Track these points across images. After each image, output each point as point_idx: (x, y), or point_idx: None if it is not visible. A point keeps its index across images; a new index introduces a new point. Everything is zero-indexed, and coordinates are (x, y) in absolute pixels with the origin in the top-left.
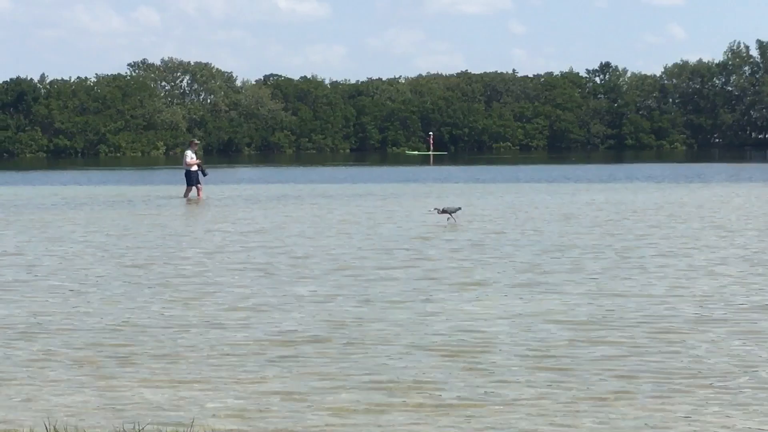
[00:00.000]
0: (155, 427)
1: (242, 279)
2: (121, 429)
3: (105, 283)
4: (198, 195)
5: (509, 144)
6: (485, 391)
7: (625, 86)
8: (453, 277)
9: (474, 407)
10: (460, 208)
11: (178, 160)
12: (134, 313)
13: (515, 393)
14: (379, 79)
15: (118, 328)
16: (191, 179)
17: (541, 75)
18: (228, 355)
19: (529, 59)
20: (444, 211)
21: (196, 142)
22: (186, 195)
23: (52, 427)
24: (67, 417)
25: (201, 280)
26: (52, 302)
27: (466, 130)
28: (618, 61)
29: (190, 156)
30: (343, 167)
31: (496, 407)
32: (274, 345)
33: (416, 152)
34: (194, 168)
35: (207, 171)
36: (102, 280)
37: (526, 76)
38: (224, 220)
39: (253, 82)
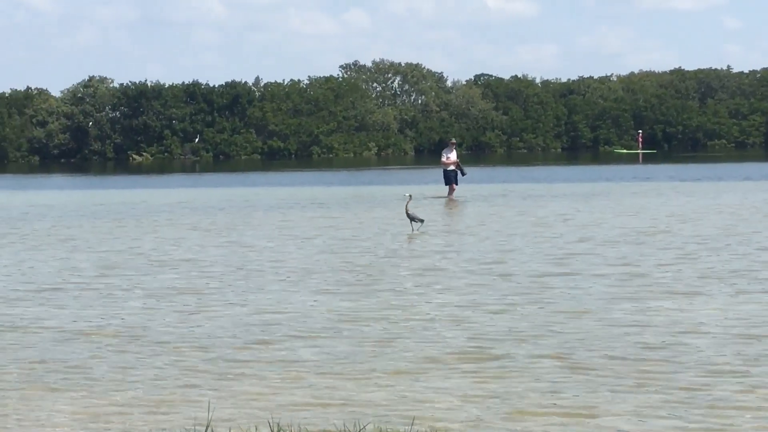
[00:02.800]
0: (376, 426)
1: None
2: (343, 428)
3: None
4: (450, 194)
5: (724, 141)
6: None
7: None
8: None
9: None
10: (422, 221)
11: (389, 161)
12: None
13: None
14: (591, 78)
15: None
16: (449, 178)
17: (757, 71)
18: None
19: (744, 54)
20: (408, 214)
21: (454, 141)
22: (449, 194)
23: (276, 425)
24: (291, 413)
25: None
26: (288, 300)
27: (680, 127)
28: None
29: (446, 155)
30: (556, 167)
31: None
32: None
33: (624, 151)
34: (451, 167)
35: (465, 170)
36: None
37: (742, 72)
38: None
39: (464, 82)
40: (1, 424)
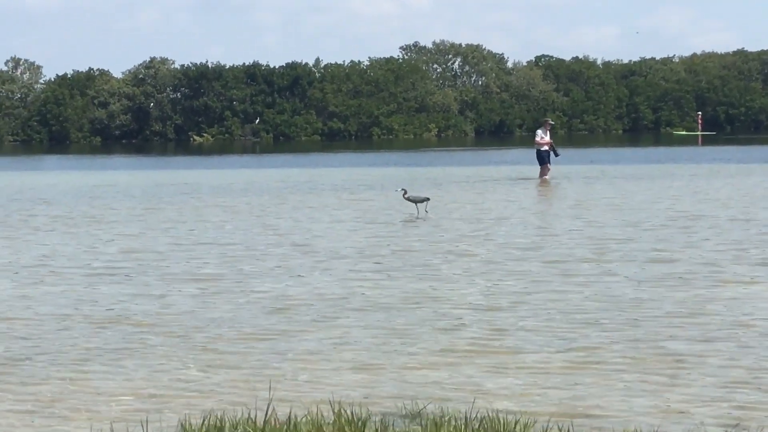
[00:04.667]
0: (436, 406)
1: None
2: (403, 408)
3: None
4: (543, 175)
5: None
6: None
7: None
8: None
9: None
10: (428, 199)
11: (449, 142)
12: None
13: None
14: (653, 59)
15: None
16: (542, 159)
17: None
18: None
19: None
20: (408, 199)
21: (551, 122)
22: (542, 176)
23: (336, 404)
24: (349, 393)
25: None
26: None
27: (743, 109)
28: None
29: (540, 135)
30: (619, 148)
31: None
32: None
33: (684, 132)
34: (545, 148)
35: (559, 151)
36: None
37: None
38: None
39: (524, 64)
40: (61, 405)
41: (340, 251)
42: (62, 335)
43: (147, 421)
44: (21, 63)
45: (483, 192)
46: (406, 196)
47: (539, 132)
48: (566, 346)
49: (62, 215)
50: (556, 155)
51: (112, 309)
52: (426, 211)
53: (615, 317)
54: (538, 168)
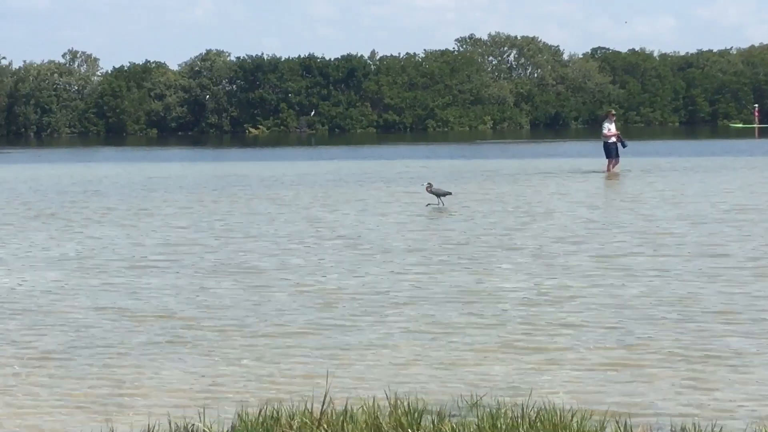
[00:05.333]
0: (492, 398)
1: None
2: (460, 400)
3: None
4: (610, 168)
5: None
6: None
7: None
8: None
9: None
10: (450, 193)
11: (505, 135)
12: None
13: None
14: (710, 51)
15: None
16: (610, 151)
17: None
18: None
19: None
20: (433, 192)
21: (614, 113)
22: (609, 168)
23: (393, 395)
24: (406, 384)
25: None
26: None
27: None
28: None
29: (607, 127)
30: (675, 141)
31: None
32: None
33: (741, 125)
34: (612, 140)
35: (626, 142)
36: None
37: None
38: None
39: (580, 56)
40: (119, 396)
41: (388, 244)
42: (116, 326)
43: (204, 410)
44: (78, 55)
45: (534, 185)
46: (429, 189)
47: (605, 125)
48: (620, 341)
49: (113, 207)
50: (624, 146)
51: (164, 301)
52: (443, 204)
53: (668, 312)
54: (600, 160)
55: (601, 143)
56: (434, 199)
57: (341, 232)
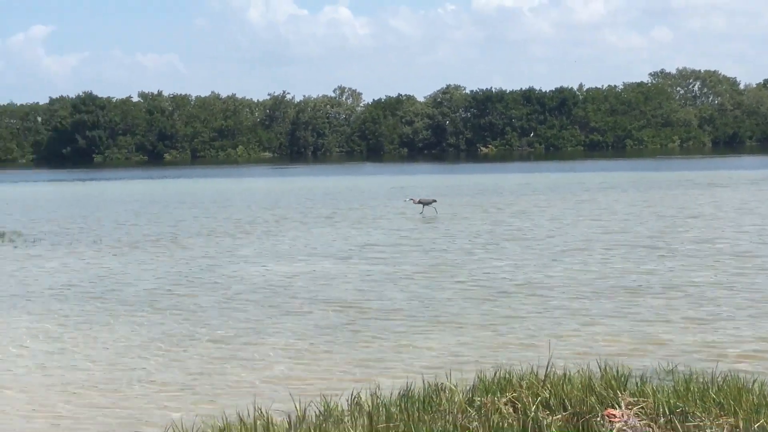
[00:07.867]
0: (686, 366)
1: None
2: (658, 366)
3: None
4: None
5: None
6: None
7: None
8: None
9: None
10: (435, 200)
11: (690, 151)
12: None
13: None
14: None
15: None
16: None
17: None
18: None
19: None
20: (419, 202)
21: None
22: None
23: (603, 362)
24: (614, 354)
25: None
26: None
27: None
28: None
29: None
30: None
31: None
32: None
33: None
34: None
35: None
36: None
37: None
38: None
39: (754, 85)
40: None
41: (567, 243)
42: (395, 306)
43: (451, 372)
44: (345, 90)
45: (714, 193)
46: (415, 201)
47: None
48: None
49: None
50: None
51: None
52: (422, 212)
53: None
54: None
55: None
56: (422, 207)
57: (515, 234)
